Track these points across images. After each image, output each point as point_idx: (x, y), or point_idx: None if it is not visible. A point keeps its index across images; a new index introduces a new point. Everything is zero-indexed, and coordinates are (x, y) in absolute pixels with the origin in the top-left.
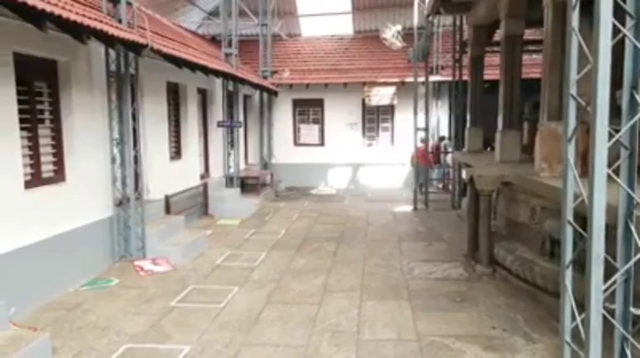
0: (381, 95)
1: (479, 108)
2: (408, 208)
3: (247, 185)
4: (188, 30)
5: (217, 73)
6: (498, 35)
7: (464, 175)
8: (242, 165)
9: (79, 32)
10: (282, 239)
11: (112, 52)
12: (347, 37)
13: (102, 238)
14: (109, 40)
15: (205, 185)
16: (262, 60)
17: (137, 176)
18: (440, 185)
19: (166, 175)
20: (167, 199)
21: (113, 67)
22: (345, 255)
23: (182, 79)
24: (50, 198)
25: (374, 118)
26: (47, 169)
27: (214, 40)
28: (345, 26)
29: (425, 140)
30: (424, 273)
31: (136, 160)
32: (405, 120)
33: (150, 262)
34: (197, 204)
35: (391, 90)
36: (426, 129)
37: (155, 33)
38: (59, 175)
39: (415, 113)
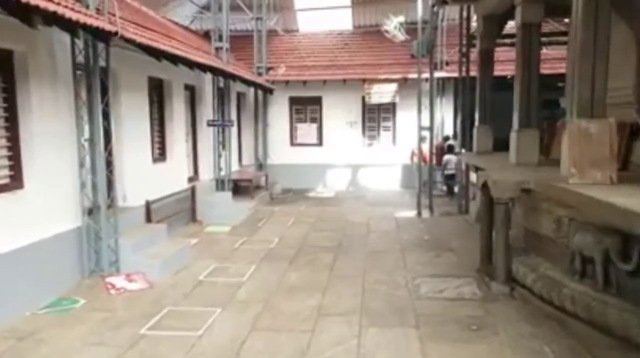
0: (382, 93)
1: (489, 106)
2: (411, 213)
3: (239, 188)
4: (179, 25)
5: (203, 67)
6: (510, 27)
7: (473, 178)
8: (236, 167)
9: (27, 14)
10: (274, 249)
11: (80, 43)
12: (346, 32)
13: (69, 252)
14: (69, 27)
15: (193, 189)
16: (257, 56)
17: (110, 181)
18: (444, 188)
19: (148, 179)
20: (148, 206)
21: (81, 59)
22: (343, 268)
23: (166, 75)
24: (5, 208)
25: (375, 116)
26: (1, 174)
27: (207, 36)
28: (344, 21)
29: (424, 140)
30: (432, 291)
31: (109, 163)
32: (407, 118)
33: (123, 278)
34: (184, 210)
35: (393, 87)
36: (431, 128)
37: (134, 23)
38: (15, 181)
39: (419, 111)
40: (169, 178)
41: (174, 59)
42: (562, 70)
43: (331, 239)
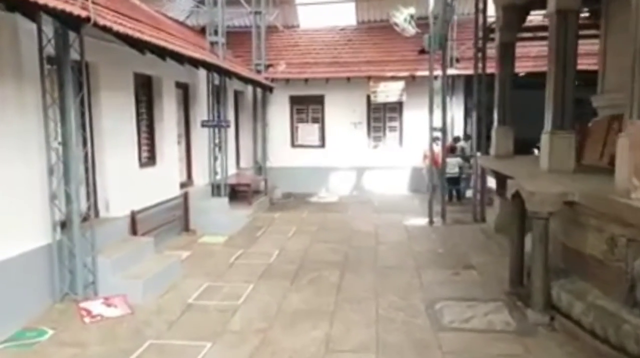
0: (388, 91)
1: (509, 105)
2: (422, 221)
3: (237, 194)
4: (174, 20)
5: (195, 62)
6: (531, 19)
7: (492, 183)
8: (233, 170)
9: None
10: (274, 264)
11: (48, 31)
12: (349, 28)
13: (37, 274)
14: (28, 10)
15: (186, 196)
16: (256, 52)
17: (90, 189)
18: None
19: (134, 186)
20: (134, 216)
21: (51, 50)
22: (352, 288)
23: (155, 71)
24: None
25: (381, 116)
26: None
27: (204, 32)
28: (347, 16)
29: (437, 142)
30: (457, 320)
31: (89, 169)
32: (415, 118)
33: (101, 303)
34: (175, 218)
35: (400, 85)
36: (444, 129)
37: (117, 12)
38: None
39: (431, 110)
40: (159, 184)
41: (161, 53)
42: (588, 67)
43: (336, 252)
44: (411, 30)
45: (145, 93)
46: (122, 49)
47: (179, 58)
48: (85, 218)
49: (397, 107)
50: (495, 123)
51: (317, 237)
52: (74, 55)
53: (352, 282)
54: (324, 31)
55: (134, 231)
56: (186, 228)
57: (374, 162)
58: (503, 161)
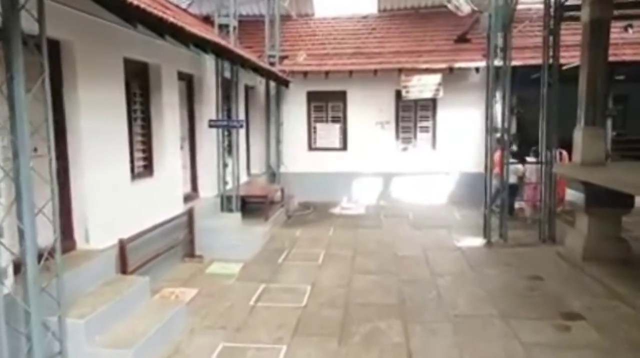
0: (422, 86)
1: (601, 100)
2: (476, 240)
3: (250, 206)
4: (176, 6)
5: (203, 44)
6: None
7: (570, 195)
8: (244, 178)
9: None
10: (309, 309)
11: None
12: (371, 16)
13: None
14: None
15: (190, 213)
16: (269, 42)
17: (64, 212)
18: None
19: (123, 205)
20: (123, 247)
21: None
22: (427, 354)
23: (152, 57)
24: None
25: (411, 115)
26: None
27: (208, 21)
28: (367, 3)
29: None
30: None
31: (61, 186)
32: (450, 118)
33: None
34: (177, 243)
35: (436, 79)
36: (508, 130)
37: None
38: None
39: (491, 106)
40: (157, 200)
41: (159, 27)
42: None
43: (386, 289)
44: (466, 8)
45: (140, 85)
46: (109, 26)
47: (182, 36)
48: (46, 258)
49: (429, 105)
50: (582, 123)
51: (355, 264)
52: (30, 25)
53: (424, 341)
54: (342, 19)
55: (123, 267)
56: (191, 253)
57: (403, 167)
58: (597, 170)
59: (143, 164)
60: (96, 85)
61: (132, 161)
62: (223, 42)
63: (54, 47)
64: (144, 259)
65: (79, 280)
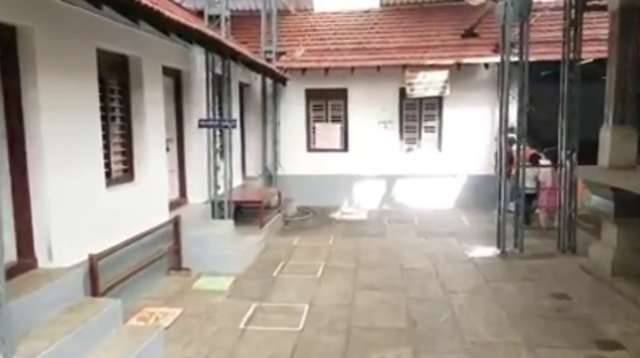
0: (428, 83)
1: (632, 97)
2: (489, 250)
3: (244, 212)
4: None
5: (187, 33)
6: None
7: (594, 202)
8: (239, 181)
9: None
10: (306, 333)
11: None
12: (373, 11)
13: None
14: None
15: (176, 221)
16: (265, 37)
17: (21, 224)
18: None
19: (96, 215)
20: (93, 263)
21: None
22: None
23: (131, 49)
24: None
25: (416, 114)
26: None
27: (202, 16)
28: None
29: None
30: None
31: (21, 190)
32: (458, 117)
33: None
34: (161, 255)
35: (443, 75)
36: (524, 132)
37: None
38: None
39: (506, 102)
40: (138, 208)
41: (127, 9)
42: None
43: (392, 309)
44: None
45: (118, 80)
46: (79, 12)
47: (160, 22)
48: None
49: (435, 103)
50: (610, 121)
51: (358, 279)
52: None
53: None
54: (343, 14)
55: (93, 288)
56: (177, 266)
57: (407, 169)
58: (628, 175)
59: (122, 168)
60: (62, 80)
61: (108, 165)
62: (210, 32)
63: (8, 34)
64: (122, 276)
65: (37, 305)
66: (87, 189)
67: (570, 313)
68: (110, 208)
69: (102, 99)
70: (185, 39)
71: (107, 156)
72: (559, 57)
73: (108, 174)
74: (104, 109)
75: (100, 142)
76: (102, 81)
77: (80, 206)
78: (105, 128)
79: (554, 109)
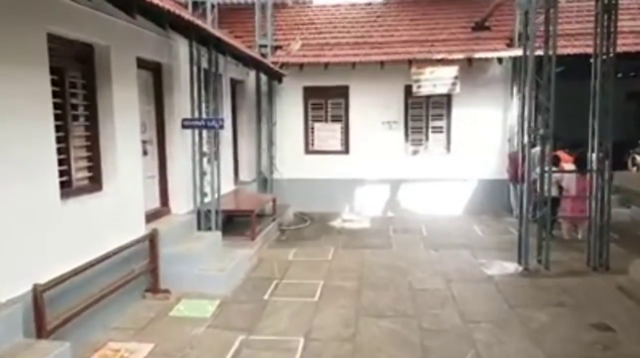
0: (436, 80)
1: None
2: (509, 266)
3: (236, 221)
4: None
5: (155, 12)
6: None
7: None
8: (231, 186)
9: None
10: None
11: None
12: (376, 4)
13: None
14: None
15: (152, 236)
16: (260, 31)
17: None
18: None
19: (46, 236)
20: (37, 296)
21: None
22: None
23: (96, 36)
24: None
25: (422, 114)
26: None
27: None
28: None
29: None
30: None
31: None
32: (468, 116)
33: None
34: (134, 276)
35: (452, 71)
36: (550, 133)
37: None
38: None
39: (530, 97)
40: (107, 222)
41: None
42: None
43: (403, 344)
44: None
45: (81, 73)
46: None
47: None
48: None
49: (443, 102)
50: None
51: (362, 302)
52: None
53: None
54: (344, 7)
55: (38, 326)
56: (154, 287)
57: (413, 173)
58: None
59: (87, 176)
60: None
61: (67, 173)
62: (187, 16)
63: None
64: (80, 306)
65: None
66: (32, 203)
67: (617, 351)
68: (67, 224)
69: (59, 94)
70: (156, 23)
71: (65, 162)
72: (580, 50)
73: (66, 184)
74: (60, 106)
75: (53, 146)
76: (57, 74)
77: (21, 225)
78: (63, 129)
79: (566, 107)
